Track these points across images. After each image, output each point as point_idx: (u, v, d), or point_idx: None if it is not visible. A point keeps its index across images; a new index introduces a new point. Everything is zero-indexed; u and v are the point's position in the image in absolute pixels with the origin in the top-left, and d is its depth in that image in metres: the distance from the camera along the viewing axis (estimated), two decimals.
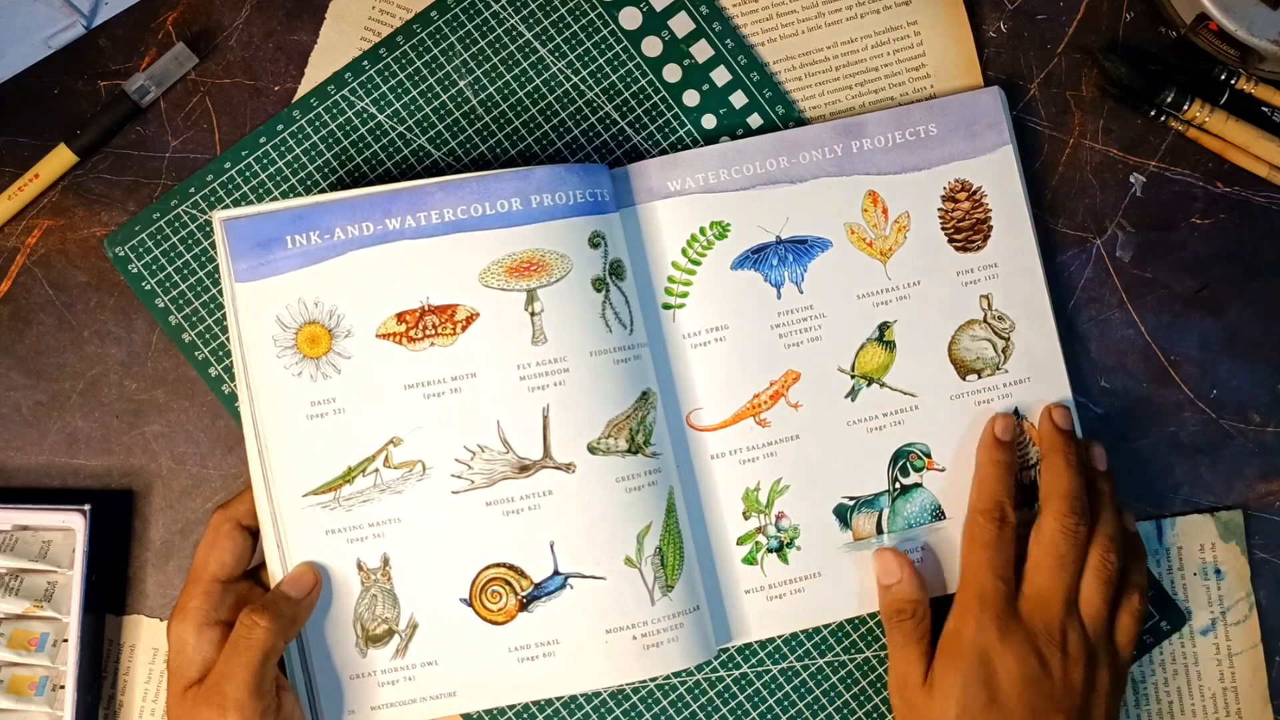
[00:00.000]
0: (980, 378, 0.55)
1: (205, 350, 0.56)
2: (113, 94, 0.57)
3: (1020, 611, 0.50)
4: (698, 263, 0.55)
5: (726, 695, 0.56)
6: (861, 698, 0.56)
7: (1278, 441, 0.58)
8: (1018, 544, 0.52)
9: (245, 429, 0.51)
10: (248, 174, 0.57)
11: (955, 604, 0.51)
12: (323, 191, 0.57)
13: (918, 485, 0.55)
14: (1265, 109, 0.58)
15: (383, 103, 0.57)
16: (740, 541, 0.54)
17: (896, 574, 0.53)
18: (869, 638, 0.56)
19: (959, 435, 0.55)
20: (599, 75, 0.58)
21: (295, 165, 0.57)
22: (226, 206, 0.56)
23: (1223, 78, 0.57)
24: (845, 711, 0.56)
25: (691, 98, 0.58)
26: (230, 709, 0.46)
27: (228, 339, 0.56)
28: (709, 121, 0.58)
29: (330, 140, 0.57)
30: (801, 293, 0.55)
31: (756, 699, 0.56)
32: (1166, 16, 0.58)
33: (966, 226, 0.55)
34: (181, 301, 0.56)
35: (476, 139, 0.57)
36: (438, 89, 0.57)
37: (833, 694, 0.56)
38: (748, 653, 0.56)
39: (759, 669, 0.56)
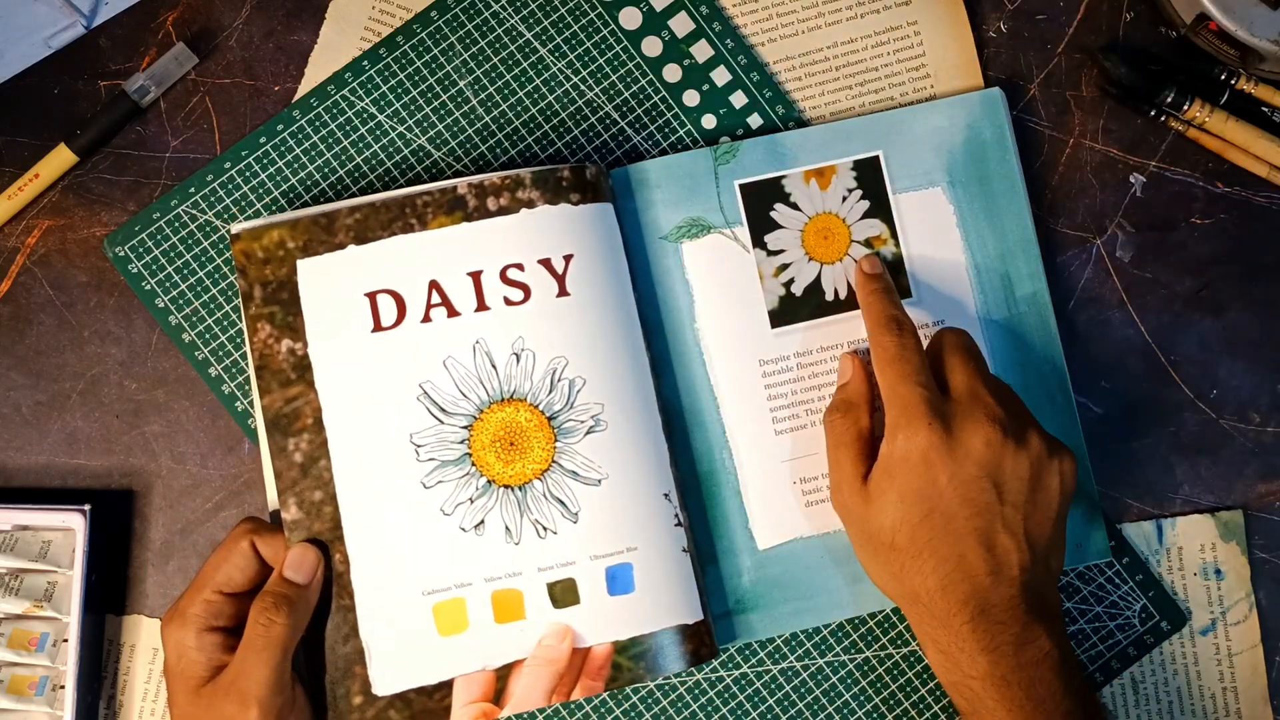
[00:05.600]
0: None
1: (205, 350, 0.56)
2: (113, 94, 0.57)
3: (952, 412, 0.48)
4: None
5: (726, 695, 0.56)
6: (861, 698, 0.56)
7: (1278, 441, 0.58)
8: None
9: (261, 444, 0.51)
10: (248, 174, 0.57)
11: (886, 428, 0.49)
12: (324, 192, 0.57)
13: None
14: (1265, 109, 0.58)
15: (383, 103, 0.57)
16: None
17: (848, 374, 0.53)
18: (869, 638, 0.56)
19: None
20: (599, 75, 0.58)
21: (295, 165, 0.57)
22: (229, 209, 0.56)
23: (1223, 78, 0.57)
24: (845, 711, 0.56)
25: (691, 98, 0.58)
26: (252, 705, 0.46)
27: (228, 339, 0.56)
28: (709, 121, 0.57)
29: (330, 140, 0.57)
30: None
31: (756, 699, 0.56)
32: (1166, 16, 0.58)
33: None
34: (181, 301, 0.56)
35: (476, 139, 0.57)
36: (438, 89, 0.57)
37: (833, 694, 0.56)
38: (748, 653, 0.56)
39: (759, 669, 0.56)
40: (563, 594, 0.51)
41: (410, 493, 0.51)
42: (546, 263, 0.51)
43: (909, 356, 0.49)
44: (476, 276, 0.51)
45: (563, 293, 0.51)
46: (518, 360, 0.51)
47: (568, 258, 0.52)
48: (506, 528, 0.51)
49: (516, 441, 0.51)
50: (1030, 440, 0.48)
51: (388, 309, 0.51)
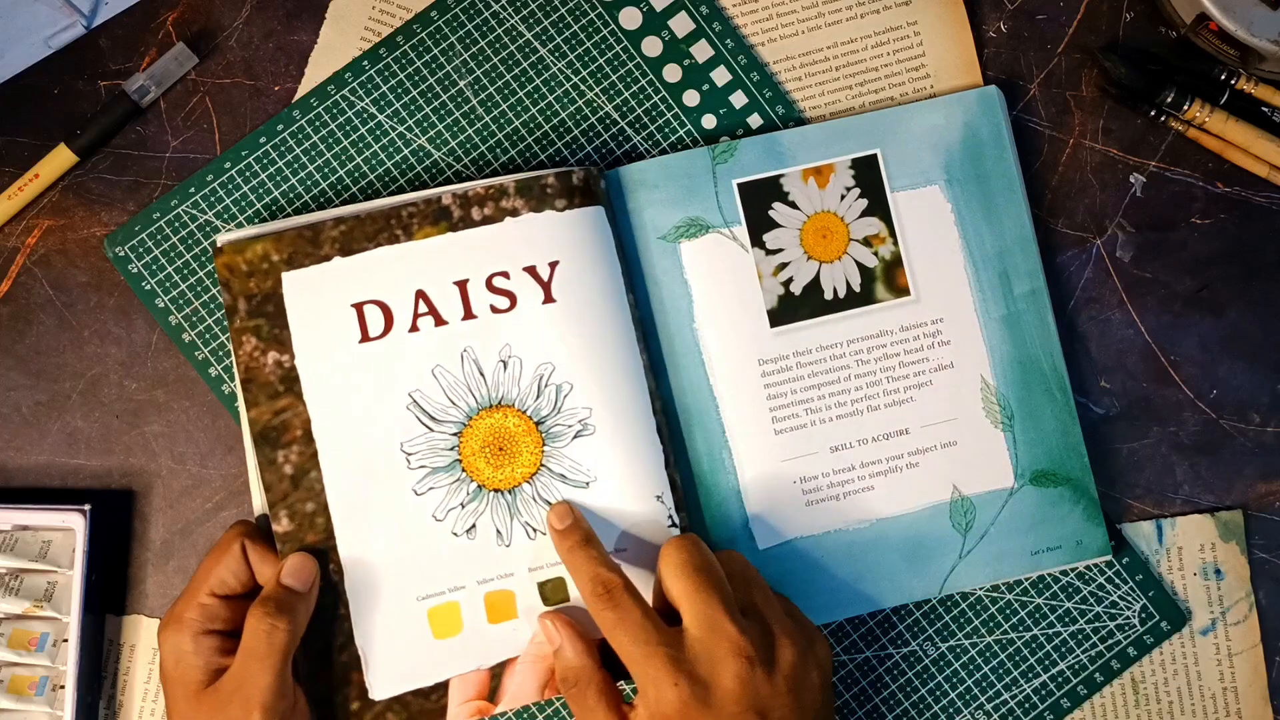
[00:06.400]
0: None
1: (205, 350, 0.56)
2: (113, 94, 0.57)
3: (696, 656, 0.46)
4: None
5: None
6: (861, 697, 0.56)
7: (1278, 441, 0.58)
8: None
9: (248, 456, 0.51)
10: (248, 174, 0.57)
11: (637, 689, 0.46)
12: (324, 192, 0.57)
13: None
14: (1265, 109, 0.58)
15: (383, 103, 0.57)
16: None
17: (555, 640, 0.49)
18: (869, 638, 0.56)
19: None
20: (599, 75, 0.58)
21: (295, 165, 0.57)
22: (229, 209, 0.56)
23: (1223, 78, 0.57)
24: (845, 712, 0.56)
25: (691, 98, 0.58)
26: (257, 710, 0.46)
27: (228, 339, 0.56)
28: (709, 121, 0.58)
29: (330, 140, 0.57)
30: None
31: None
32: (1166, 16, 0.58)
33: None
34: (181, 301, 0.56)
35: (476, 139, 0.57)
36: (438, 89, 0.57)
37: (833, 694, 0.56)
38: None
39: None
40: (553, 592, 0.51)
41: (402, 500, 0.51)
42: (532, 270, 0.52)
43: (630, 619, 0.46)
44: (463, 285, 0.51)
45: (549, 299, 0.52)
46: (505, 367, 0.51)
47: (553, 264, 0.52)
48: (497, 530, 0.51)
49: (505, 447, 0.51)
50: (781, 650, 0.46)
51: (375, 320, 0.51)
